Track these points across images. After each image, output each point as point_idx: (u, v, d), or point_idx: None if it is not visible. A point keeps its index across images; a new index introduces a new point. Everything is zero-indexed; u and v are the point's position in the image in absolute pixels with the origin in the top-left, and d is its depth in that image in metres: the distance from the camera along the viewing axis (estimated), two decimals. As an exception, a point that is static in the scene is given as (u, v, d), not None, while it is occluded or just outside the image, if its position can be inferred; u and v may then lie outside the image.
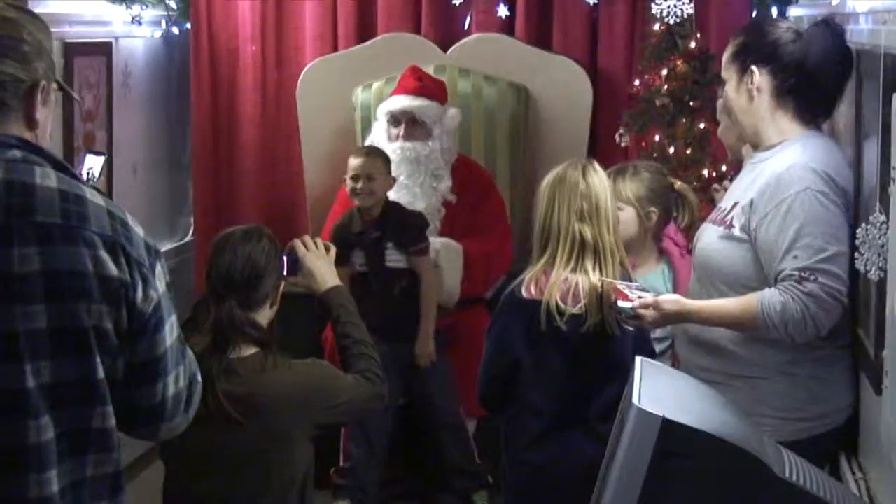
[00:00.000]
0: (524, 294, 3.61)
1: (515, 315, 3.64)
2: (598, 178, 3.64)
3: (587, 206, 3.58)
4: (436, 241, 5.14)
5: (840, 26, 3.52)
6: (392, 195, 5.13)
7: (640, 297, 3.45)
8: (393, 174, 5.11)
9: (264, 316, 3.34)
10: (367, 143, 5.45)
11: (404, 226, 5.05)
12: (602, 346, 3.59)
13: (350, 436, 5.14)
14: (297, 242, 3.59)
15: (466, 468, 5.18)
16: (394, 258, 5.05)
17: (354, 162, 5.00)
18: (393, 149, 5.26)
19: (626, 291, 3.47)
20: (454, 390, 5.10)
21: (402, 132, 5.29)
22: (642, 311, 3.42)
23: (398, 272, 5.05)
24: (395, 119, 5.32)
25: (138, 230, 2.40)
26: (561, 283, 3.58)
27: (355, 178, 4.96)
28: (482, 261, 5.27)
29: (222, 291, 3.26)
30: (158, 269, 2.40)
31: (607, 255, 3.59)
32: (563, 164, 3.68)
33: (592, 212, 3.58)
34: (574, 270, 3.58)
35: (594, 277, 3.56)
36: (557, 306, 3.54)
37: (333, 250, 3.67)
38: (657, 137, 5.29)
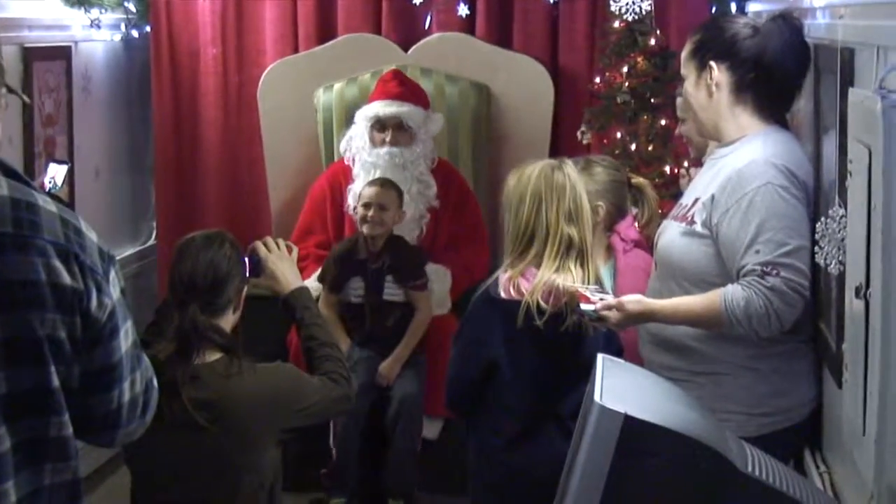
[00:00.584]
0: (502, 295, 3.57)
1: (492, 316, 3.60)
2: (577, 178, 3.62)
3: (573, 208, 3.56)
4: (426, 269, 5.15)
5: (798, 21, 3.52)
6: None
7: (601, 299, 3.40)
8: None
9: (228, 321, 3.30)
10: (343, 146, 5.44)
11: (406, 261, 5.07)
12: (577, 346, 3.56)
13: (335, 434, 5.09)
14: (259, 244, 3.54)
15: (407, 469, 5.13)
16: (391, 292, 5.06)
17: (369, 191, 5.01)
18: (379, 154, 5.27)
19: (587, 294, 3.43)
20: (421, 397, 5.09)
21: (388, 137, 5.27)
22: (605, 313, 3.39)
23: (394, 305, 5.07)
24: (380, 124, 5.29)
25: (92, 236, 2.32)
26: (542, 284, 3.53)
27: (367, 206, 4.96)
28: (466, 274, 5.29)
29: (185, 297, 3.22)
30: (112, 275, 2.34)
31: (588, 255, 3.59)
32: (541, 164, 3.63)
33: (578, 213, 3.57)
34: (558, 270, 3.53)
35: (577, 277, 3.53)
36: (538, 306, 3.49)
37: (296, 251, 3.63)
38: (619, 134, 5.33)
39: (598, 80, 5.45)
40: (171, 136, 6.05)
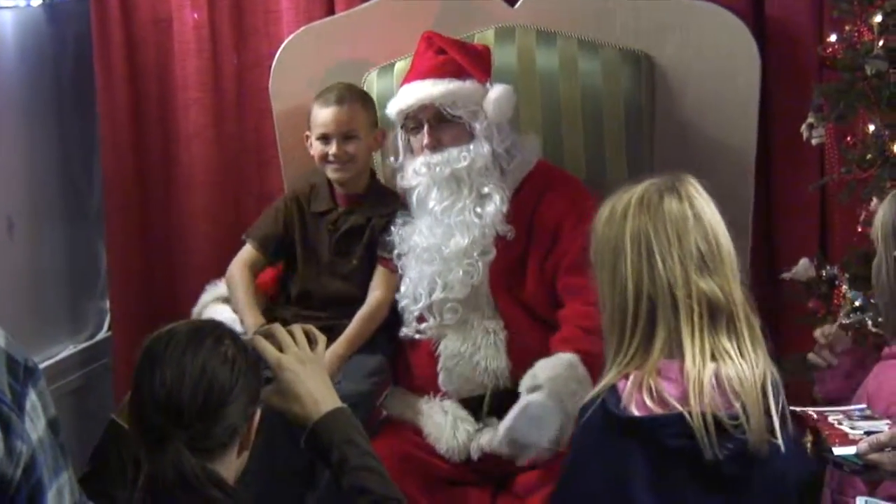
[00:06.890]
0: (634, 410, 2.54)
1: (625, 447, 2.54)
2: (706, 202, 2.68)
3: (706, 249, 2.62)
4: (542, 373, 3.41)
5: None
6: (422, 234, 3.74)
7: (867, 434, 2.55)
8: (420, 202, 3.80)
9: (230, 466, 2.36)
10: (401, 161, 3.92)
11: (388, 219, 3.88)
12: (762, 470, 2.53)
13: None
14: (262, 342, 2.59)
15: None
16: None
17: (323, 113, 3.78)
18: (416, 168, 3.78)
19: (841, 426, 2.60)
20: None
21: (426, 139, 3.76)
22: (877, 458, 2.51)
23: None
24: (412, 121, 3.81)
25: None
26: (707, 382, 2.49)
27: (325, 138, 3.76)
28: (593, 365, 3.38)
29: (163, 429, 2.29)
30: (32, 399, 1.81)
31: (743, 324, 2.59)
32: (642, 186, 2.70)
33: (715, 256, 2.62)
34: (713, 358, 2.54)
35: (741, 365, 2.52)
36: (716, 420, 2.44)
37: (322, 344, 2.71)
38: (871, 128, 3.75)
39: (832, 38, 3.84)
40: (128, 161, 4.35)
